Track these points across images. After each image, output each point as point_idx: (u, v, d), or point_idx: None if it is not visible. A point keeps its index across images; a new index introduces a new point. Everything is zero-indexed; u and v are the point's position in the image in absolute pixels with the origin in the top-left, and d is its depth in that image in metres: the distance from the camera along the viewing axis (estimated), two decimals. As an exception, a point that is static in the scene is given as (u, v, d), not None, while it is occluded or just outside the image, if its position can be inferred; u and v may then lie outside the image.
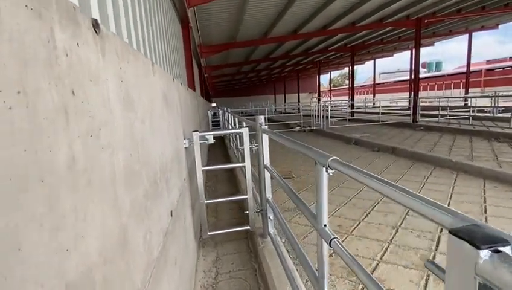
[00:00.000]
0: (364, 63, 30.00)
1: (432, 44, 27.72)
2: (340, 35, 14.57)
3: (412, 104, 11.97)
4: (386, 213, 3.30)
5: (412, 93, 12.38)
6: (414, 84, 12.09)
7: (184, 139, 2.44)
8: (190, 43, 5.53)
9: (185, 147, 2.43)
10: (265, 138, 2.42)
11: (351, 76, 16.62)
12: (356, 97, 28.24)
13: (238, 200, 3.21)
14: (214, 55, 12.30)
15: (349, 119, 11.77)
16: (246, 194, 2.58)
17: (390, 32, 15.26)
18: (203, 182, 2.61)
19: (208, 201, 2.51)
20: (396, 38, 17.03)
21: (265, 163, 2.42)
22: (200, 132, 2.42)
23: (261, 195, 2.58)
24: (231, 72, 23.39)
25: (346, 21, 11.50)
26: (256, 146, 2.56)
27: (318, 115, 11.51)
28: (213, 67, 16.90)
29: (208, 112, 12.46)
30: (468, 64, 18.19)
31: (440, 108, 12.11)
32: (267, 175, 2.43)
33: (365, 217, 3.26)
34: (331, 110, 11.30)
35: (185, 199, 2.25)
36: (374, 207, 3.51)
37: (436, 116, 12.37)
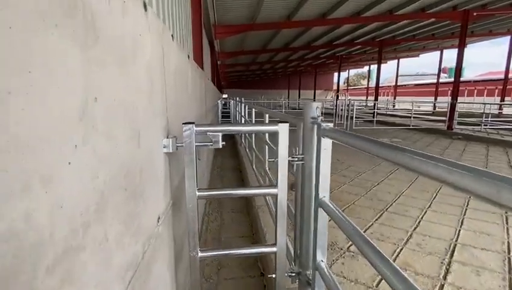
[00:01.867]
0: (386, 62, 28.25)
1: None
2: (369, 27, 13.12)
3: (448, 109, 10.54)
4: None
5: (450, 97, 10.87)
6: (454, 87, 10.62)
7: (167, 137, 1.27)
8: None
9: (167, 152, 1.26)
10: (326, 145, 1.23)
11: (377, 73, 15.12)
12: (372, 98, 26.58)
13: (256, 254, 1.95)
14: (229, 38, 11.02)
15: (376, 121, 10.44)
16: (272, 244, 1.39)
17: (425, 28, 13.71)
18: (200, 214, 1.44)
19: (205, 254, 1.33)
20: (430, 35, 15.44)
21: (320, 196, 1.23)
22: (198, 126, 1.24)
23: (302, 248, 1.40)
24: (246, 61, 22.09)
25: (383, 8, 10.08)
26: (302, 158, 1.37)
27: (342, 115, 10.21)
28: (227, 54, 15.65)
29: (218, 101, 11.29)
30: (507, 70, 16.41)
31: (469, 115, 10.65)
32: (323, 216, 1.24)
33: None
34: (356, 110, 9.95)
35: (160, 252, 1.12)
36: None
37: (472, 124, 10.95)
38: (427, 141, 8.47)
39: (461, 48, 10.32)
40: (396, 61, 26.12)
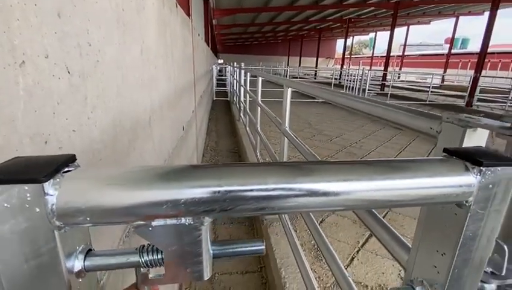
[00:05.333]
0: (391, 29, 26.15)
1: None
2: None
3: (470, 83, 9.43)
4: None
5: (473, 71, 9.69)
6: (479, 58, 9.38)
7: None
8: None
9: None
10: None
11: (390, 40, 13.60)
12: (377, 68, 24.96)
13: None
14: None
15: (390, 95, 9.31)
16: None
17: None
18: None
19: None
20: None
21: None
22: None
23: None
24: (245, 20, 20.09)
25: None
26: None
27: (352, 86, 9.03)
28: (224, 11, 13.93)
29: (213, 66, 9.96)
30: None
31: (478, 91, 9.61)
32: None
33: None
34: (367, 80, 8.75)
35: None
36: None
37: (496, 101, 9.93)
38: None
39: (493, 12, 8.95)
40: (400, 29, 24.15)
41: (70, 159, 0.26)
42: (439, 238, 0.36)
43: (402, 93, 11.05)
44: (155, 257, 0.29)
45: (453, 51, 23.03)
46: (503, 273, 0.35)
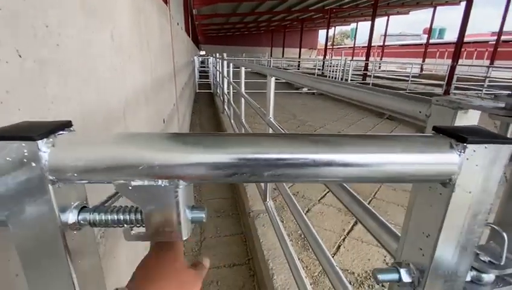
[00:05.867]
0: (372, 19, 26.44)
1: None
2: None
3: (447, 72, 9.72)
4: None
5: (450, 60, 9.97)
6: (456, 48, 9.66)
7: None
8: None
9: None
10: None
11: (371, 29, 13.72)
12: (359, 58, 25.19)
13: None
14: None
15: (372, 84, 9.45)
16: None
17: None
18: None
19: None
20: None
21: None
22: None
23: None
24: (226, 10, 19.67)
25: None
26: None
27: (334, 76, 9.08)
28: (203, 16, 13.60)
29: (195, 57, 9.74)
30: (500, 32, 15.58)
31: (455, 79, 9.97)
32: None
33: None
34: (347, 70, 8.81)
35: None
36: None
37: (472, 89, 10.28)
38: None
39: (469, 0, 9.20)
40: (380, 19, 24.47)
41: (66, 124, 0.31)
42: (426, 219, 0.34)
43: (383, 83, 11.26)
44: (138, 216, 0.32)
45: (431, 41, 23.57)
46: (502, 263, 0.33)
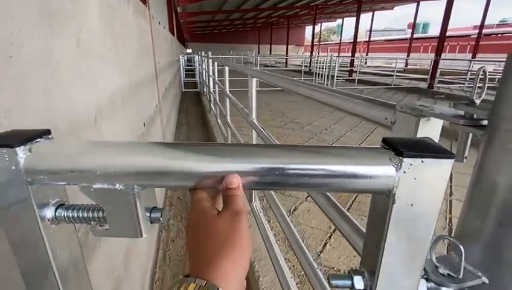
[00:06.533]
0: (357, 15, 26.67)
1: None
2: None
3: (431, 66, 9.91)
4: None
5: (434, 54, 10.16)
6: (439, 42, 9.85)
7: None
8: None
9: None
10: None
11: (356, 25, 13.85)
12: (345, 55, 25.39)
13: None
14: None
15: (358, 80, 9.54)
16: None
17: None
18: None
19: None
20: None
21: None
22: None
23: None
24: (211, 7, 19.46)
25: None
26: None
27: (321, 73, 9.12)
28: (189, 14, 13.40)
29: (180, 56, 9.60)
30: (481, 26, 15.99)
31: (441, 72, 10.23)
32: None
33: None
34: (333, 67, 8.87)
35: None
36: None
37: (455, 82, 10.54)
38: (414, 102, 7.85)
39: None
40: (365, 15, 24.73)
41: (45, 132, 0.36)
42: (376, 229, 0.34)
43: (369, 79, 11.39)
44: (100, 215, 0.36)
45: (415, 36, 23.99)
46: (460, 276, 0.32)
